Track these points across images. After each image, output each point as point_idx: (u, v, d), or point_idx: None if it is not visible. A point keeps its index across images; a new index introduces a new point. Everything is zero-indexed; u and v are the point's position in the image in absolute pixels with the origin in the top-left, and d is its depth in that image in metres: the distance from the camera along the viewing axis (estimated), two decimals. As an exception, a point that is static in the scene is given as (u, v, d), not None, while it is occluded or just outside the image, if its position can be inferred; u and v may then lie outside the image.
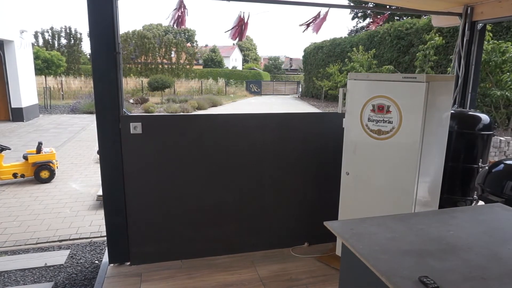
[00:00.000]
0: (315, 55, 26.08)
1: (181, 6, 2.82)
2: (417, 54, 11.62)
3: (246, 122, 3.22)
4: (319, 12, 3.21)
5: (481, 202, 3.07)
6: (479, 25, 3.51)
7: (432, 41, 11.03)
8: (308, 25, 3.26)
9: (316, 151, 3.44)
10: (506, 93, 8.19)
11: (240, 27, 3.11)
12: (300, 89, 32.19)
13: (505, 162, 2.80)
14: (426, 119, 2.63)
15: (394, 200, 2.84)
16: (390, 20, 18.10)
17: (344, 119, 3.38)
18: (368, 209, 2.99)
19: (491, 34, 8.57)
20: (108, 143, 2.88)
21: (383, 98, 2.79)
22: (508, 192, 2.60)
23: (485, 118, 3.20)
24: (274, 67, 60.96)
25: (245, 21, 3.11)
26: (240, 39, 3.21)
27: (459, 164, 3.23)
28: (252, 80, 34.55)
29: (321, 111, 13.30)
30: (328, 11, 3.22)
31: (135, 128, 2.91)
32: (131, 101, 19.39)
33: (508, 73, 8.05)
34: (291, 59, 70.14)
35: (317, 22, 3.23)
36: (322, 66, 24.07)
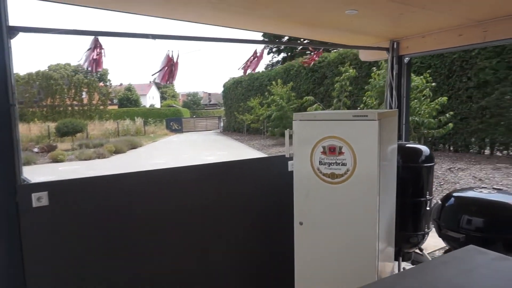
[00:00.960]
0: (235, 89, 26.50)
1: (96, 46, 2.33)
2: (335, 85, 12.32)
3: (181, 176, 2.75)
4: (255, 50, 2.96)
5: (434, 236, 3.00)
6: (406, 59, 3.61)
7: (347, 73, 11.80)
8: (248, 66, 2.99)
9: (265, 201, 3.09)
10: (416, 118, 8.92)
11: (170, 68, 2.71)
12: (222, 124, 32.23)
13: (454, 195, 2.75)
14: (380, 157, 2.47)
15: (355, 250, 2.58)
16: (303, 54, 19.23)
17: (290, 162, 3.12)
18: (328, 262, 2.69)
19: (396, 66, 9.40)
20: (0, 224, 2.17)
21: (333, 139, 2.58)
22: (464, 226, 2.52)
23: (425, 149, 3.20)
24: (193, 103, 60.80)
25: (175, 60, 2.72)
26: (171, 81, 2.80)
27: (408, 198, 3.14)
28: (172, 118, 33.71)
29: (265, 155, 13.08)
30: (263, 49, 3.00)
31: (39, 199, 2.25)
32: (36, 149, 17.27)
33: (415, 100, 8.81)
34: (209, 94, 70.85)
35: (254, 61, 2.98)
36: (243, 100, 24.47)
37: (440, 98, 8.36)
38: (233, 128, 28.01)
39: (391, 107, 3.72)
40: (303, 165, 2.72)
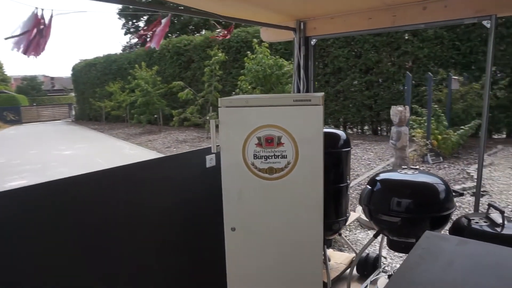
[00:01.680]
0: (88, 73, 23.38)
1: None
2: (205, 70, 11.90)
3: (75, 190, 1.95)
4: (159, 19, 2.31)
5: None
6: (313, 41, 3.48)
7: (216, 57, 11.51)
8: (145, 38, 2.31)
9: (188, 206, 2.52)
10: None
11: (38, 33, 1.84)
12: (74, 112, 28.25)
13: (381, 178, 2.73)
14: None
15: (299, 256, 2.31)
16: (166, 36, 18.10)
17: (208, 157, 2.62)
18: (268, 273, 2.35)
19: (269, 51, 9.59)
20: None
21: (271, 128, 2.20)
22: (395, 209, 2.51)
23: (342, 134, 3.13)
24: (32, 88, 51.60)
25: (46, 22, 1.87)
26: (37, 53, 1.92)
27: (330, 185, 3.03)
28: (6, 107, 27.72)
29: (183, 151, 11.59)
30: (169, 16, 2.37)
31: None
32: None
33: (289, 84, 9.17)
34: (52, 78, 61.35)
35: (158, 33, 2.33)
36: (98, 85, 21.79)
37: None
38: (88, 117, 24.82)
39: (299, 90, 3.56)
40: (234, 160, 2.27)
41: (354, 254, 3.49)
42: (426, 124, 7.29)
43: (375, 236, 2.77)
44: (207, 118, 12.15)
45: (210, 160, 2.65)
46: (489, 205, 2.37)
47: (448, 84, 8.30)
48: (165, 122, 16.72)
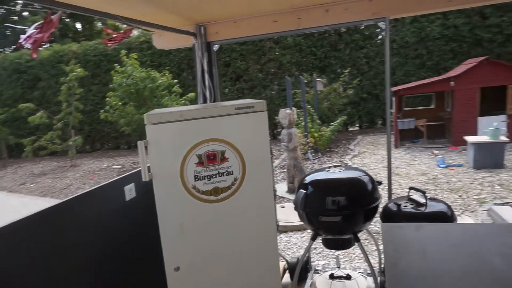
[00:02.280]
0: None
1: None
2: (62, 88, 10.32)
3: None
4: (49, 16, 1.75)
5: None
6: (215, 46, 3.26)
7: (74, 73, 10.11)
8: (42, 36, 1.72)
9: (113, 252, 1.98)
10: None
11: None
12: None
13: (311, 180, 2.71)
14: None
15: (258, 283, 2.06)
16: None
17: (127, 187, 2.16)
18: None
19: (138, 62, 8.89)
20: None
21: (212, 143, 1.91)
22: (333, 208, 2.51)
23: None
24: None
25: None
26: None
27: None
28: None
29: (45, 185, 9.01)
30: (60, 14, 1.83)
31: None
32: None
33: (166, 97, 8.67)
34: None
35: (44, 32, 1.77)
36: None
37: (189, 94, 8.60)
38: None
39: (205, 100, 3.30)
40: (171, 186, 1.89)
41: (284, 262, 3.40)
42: (303, 124, 7.86)
43: (313, 238, 2.72)
44: (70, 143, 10.56)
45: (129, 191, 2.17)
46: (410, 188, 2.58)
47: (314, 86, 9.18)
48: (11, 154, 13.90)
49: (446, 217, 2.33)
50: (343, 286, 2.98)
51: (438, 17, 9.70)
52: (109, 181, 2.07)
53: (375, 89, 10.73)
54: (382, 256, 3.04)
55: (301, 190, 2.61)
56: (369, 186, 2.56)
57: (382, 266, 3.02)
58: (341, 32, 10.90)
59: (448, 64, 9.67)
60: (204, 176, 1.92)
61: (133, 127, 9.04)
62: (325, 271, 3.19)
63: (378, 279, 2.95)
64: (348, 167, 2.80)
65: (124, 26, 2.42)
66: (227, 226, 1.98)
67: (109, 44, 2.40)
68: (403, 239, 1.78)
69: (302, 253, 3.40)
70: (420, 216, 2.35)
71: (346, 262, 3.65)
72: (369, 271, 2.94)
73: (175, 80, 9.24)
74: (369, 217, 2.56)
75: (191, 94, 8.53)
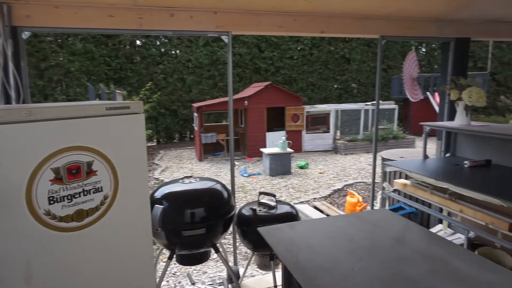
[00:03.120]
0: None
1: None
2: None
3: None
4: None
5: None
6: (24, 34, 2.51)
7: None
8: None
9: None
10: None
11: None
12: None
13: (164, 194, 2.49)
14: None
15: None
16: None
17: None
18: None
19: None
20: None
21: (75, 152, 1.45)
22: (196, 220, 2.41)
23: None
24: None
25: None
26: None
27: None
28: None
29: None
30: None
31: None
32: None
33: None
34: None
35: None
36: None
37: None
38: None
39: (8, 101, 2.49)
40: (9, 216, 1.32)
41: None
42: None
43: (171, 257, 2.49)
44: None
45: None
46: (260, 193, 2.76)
47: (113, 98, 8.48)
48: None
49: (293, 216, 2.60)
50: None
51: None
52: None
53: (173, 104, 10.94)
54: (230, 264, 3.08)
55: (156, 205, 2.35)
56: (226, 195, 2.57)
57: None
58: (136, 45, 10.62)
59: (236, 86, 10.98)
60: (63, 196, 1.43)
61: None
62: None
63: (229, 286, 2.99)
64: (203, 178, 2.72)
65: None
66: (94, 260, 1.54)
67: None
68: (286, 239, 1.88)
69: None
70: (274, 218, 2.53)
71: (199, 275, 3.48)
72: (221, 281, 2.93)
73: None
74: (227, 226, 2.56)
75: None
